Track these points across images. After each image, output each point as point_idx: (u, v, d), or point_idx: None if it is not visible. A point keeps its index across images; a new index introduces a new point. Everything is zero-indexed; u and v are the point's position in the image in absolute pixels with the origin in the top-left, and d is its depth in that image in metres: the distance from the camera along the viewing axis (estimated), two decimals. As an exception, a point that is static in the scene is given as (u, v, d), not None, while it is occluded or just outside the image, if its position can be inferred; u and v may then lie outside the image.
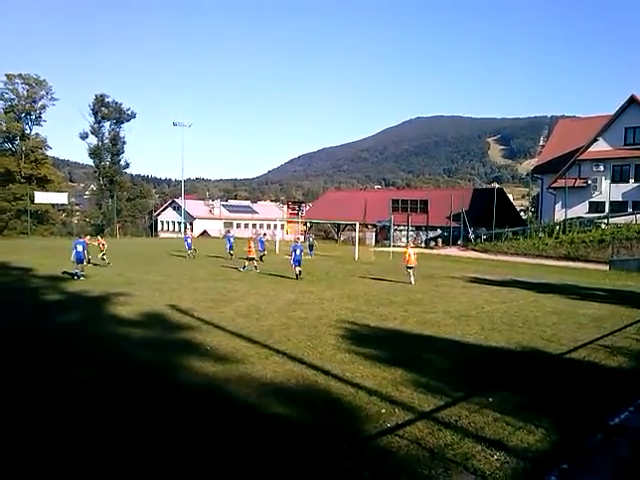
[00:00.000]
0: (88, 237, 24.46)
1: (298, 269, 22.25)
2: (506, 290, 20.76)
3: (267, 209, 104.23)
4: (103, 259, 25.53)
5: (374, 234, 58.61)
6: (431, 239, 56.24)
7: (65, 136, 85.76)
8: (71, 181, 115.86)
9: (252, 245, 25.48)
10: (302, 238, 42.55)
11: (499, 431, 6.47)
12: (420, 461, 5.62)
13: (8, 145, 62.00)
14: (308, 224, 64.79)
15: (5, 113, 60.08)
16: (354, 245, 38.75)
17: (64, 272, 21.76)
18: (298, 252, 22.40)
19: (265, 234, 35.96)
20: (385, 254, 38.28)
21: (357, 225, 41.13)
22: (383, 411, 7.03)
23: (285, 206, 71.82)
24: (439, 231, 56.18)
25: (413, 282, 21.52)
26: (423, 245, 55.28)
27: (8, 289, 18.13)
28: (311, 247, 37.56)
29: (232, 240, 32.33)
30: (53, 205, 62.32)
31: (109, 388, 7.84)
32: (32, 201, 56.29)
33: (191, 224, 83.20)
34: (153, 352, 9.83)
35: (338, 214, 58.95)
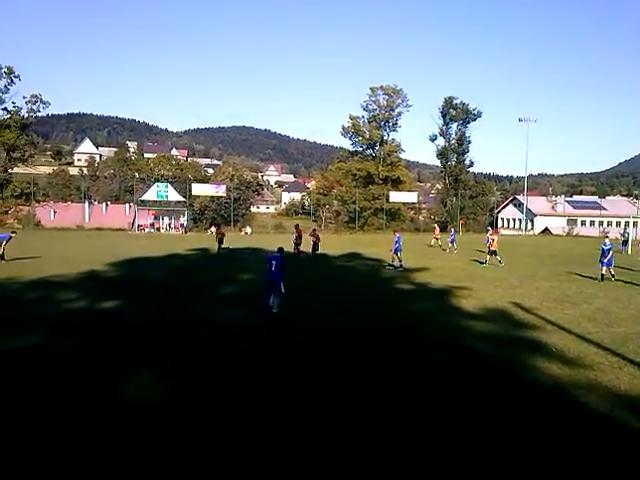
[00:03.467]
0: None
1: (605, 270, 20.27)
2: None
3: (617, 205, 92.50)
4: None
5: None
6: None
7: (415, 139, 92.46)
8: (419, 181, 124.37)
9: (495, 238, 25.21)
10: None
11: None
12: None
13: (369, 151, 70.55)
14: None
15: (369, 122, 68.49)
16: None
17: (386, 266, 23.78)
18: (611, 253, 20.53)
19: None
20: None
21: None
22: None
23: (641, 201, 62.83)
24: None
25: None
26: None
27: (364, 277, 21.01)
28: (625, 242, 35.14)
29: (454, 236, 33.91)
30: (404, 203, 68.33)
31: (457, 374, 8.52)
32: (387, 200, 63.53)
33: (532, 221, 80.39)
34: (497, 346, 10.15)
35: None
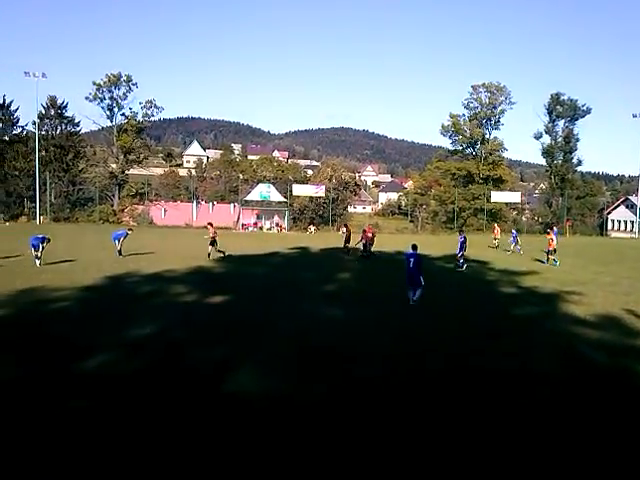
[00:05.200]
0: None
1: None
2: None
3: None
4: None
5: None
6: None
7: (517, 137, 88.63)
8: (522, 180, 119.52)
9: (554, 238, 25.44)
10: None
11: None
12: None
13: (470, 150, 68.95)
14: None
15: (469, 121, 66.92)
16: None
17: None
18: None
19: None
20: None
21: None
22: None
23: None
24: None
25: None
26: None
27: (467, 279, 20.62)
28: None
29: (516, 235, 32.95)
30: (506, 204, 66.06)
31: (569, 384, 8.40)
32: (488, 200, 61.80)
33: None
34: (611, 355, 9.85)
35: None
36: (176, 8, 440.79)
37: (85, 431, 6.12)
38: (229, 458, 5.61)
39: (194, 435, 6.09)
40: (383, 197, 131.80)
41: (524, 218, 73.14)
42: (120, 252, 23.90)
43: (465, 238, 23.72)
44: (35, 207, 57.21)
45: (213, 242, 24.82)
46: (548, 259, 25.18)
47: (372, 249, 27.71)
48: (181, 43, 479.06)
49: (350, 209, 79.79)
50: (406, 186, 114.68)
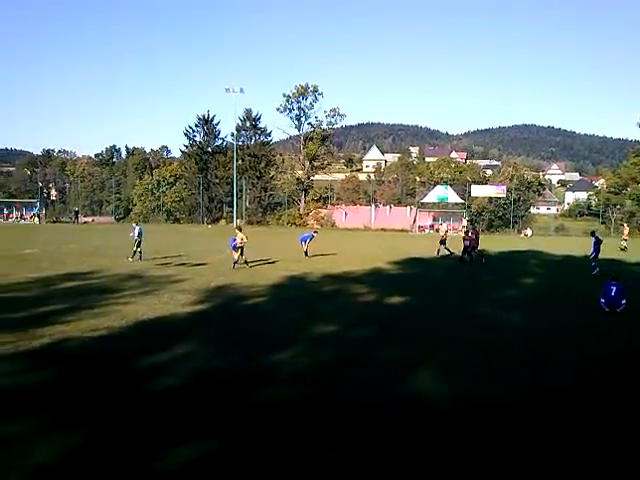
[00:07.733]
0: None
1: None
2: None
3: None
4: None
5: None
6: None
7: None
8: None
9: None
10: None
11: None
12: None
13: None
14: None
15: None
16: None
17: None
18: None
19: None
20: None
21: None
22: None
23: None
24: None
25: None
26: None
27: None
28: None
29: None
30: None
31: None
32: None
33: None
34: None
35: None
36: (353, 20, 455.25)
37: (279, 422, 6.46)
38: (410, 459, 5.61)
39: (378, 434, 6.21)
40: (570, 197, 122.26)
41: None
42: (306, 253, 25.59)
43: (597, 239, 22.18)
44: (232, 211, 63.65)
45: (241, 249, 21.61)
46: None
47: (474, 251, 25.85)
48: (361, 51, 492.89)
49: (533, 210, 75.45)
50: (597, 185, 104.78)
